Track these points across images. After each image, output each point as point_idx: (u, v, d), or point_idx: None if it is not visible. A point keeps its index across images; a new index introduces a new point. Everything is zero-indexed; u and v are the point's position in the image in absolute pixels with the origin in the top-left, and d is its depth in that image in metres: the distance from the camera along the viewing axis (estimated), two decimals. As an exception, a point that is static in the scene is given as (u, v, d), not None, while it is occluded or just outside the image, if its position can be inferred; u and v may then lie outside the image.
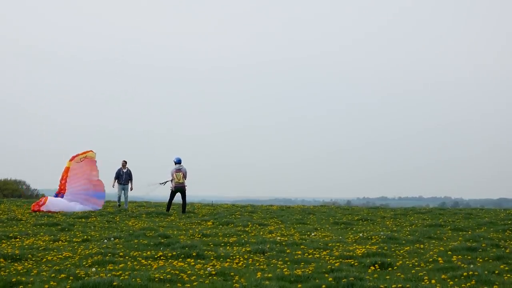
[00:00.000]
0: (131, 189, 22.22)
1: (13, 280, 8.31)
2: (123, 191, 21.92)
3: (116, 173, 21.93)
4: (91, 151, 21.41)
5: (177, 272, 8.89)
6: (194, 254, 10.54)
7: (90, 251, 10.88)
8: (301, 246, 11.76)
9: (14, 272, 8.98)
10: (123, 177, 21.81)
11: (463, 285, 8.05)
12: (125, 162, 22.18)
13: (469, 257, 10.27)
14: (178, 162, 19.79)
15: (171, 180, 19.78)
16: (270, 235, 13.66)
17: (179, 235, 13.34)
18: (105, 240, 12.39)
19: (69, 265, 9.55)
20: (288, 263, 10.03)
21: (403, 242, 12.25)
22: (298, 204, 34.66)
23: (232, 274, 8.97)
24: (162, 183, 20.42)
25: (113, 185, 21.87)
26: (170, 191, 20.01)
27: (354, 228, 15.31)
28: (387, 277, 8.69)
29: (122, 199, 22.12)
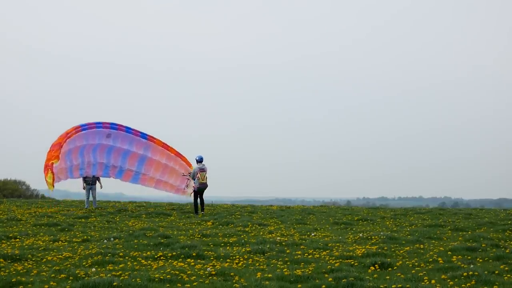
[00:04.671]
0: (101, 187, 22.12)
1: (13, 280, 8.31)
2: (90, 191, 21.78)
3: None
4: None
5: (177, 272, 8.89)
6: (194, 254, 10.55)
7: (90, 251, 10.89)
8: (301, 246, 11.76)
9: (14, 272, 8.98)
10: (91, 178, 21.76)
11: (463, 285, 8.05)
12: None
13: (469, 257, 10.27)
14: (200, 160, 19.26)
15: (194, 180, 19.41)
16: (270, 235, 13.66)
17: (179, 235, 13.34)
18: (105, 240, 12.39)
19: (69, 265, 9.55)
20: (288, 263, 10.03)
21: (403, 242, 12.25)
22: (298, 204, 34.63)
23: (232, 274, 8.97)
24: (186, 176, 20.73)
25: (83, 186, 21.69)
26: (193, 192, 19.64)
27: (354, 228, 15.31)
28: (387, 277, 8.69)
29: (91, 199, 21.98)
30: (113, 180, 21.69)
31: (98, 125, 20.21)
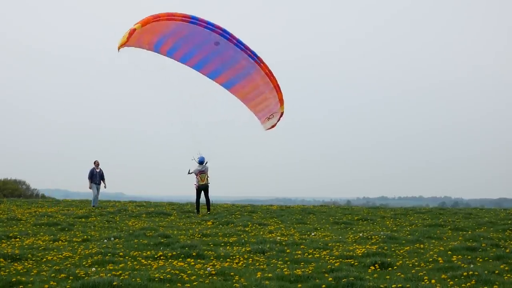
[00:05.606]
0: (105, 187, 22.27)
1: (13, 280, 8.31)
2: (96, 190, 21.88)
3: (90, 172, 21.89)
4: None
5: (177, 272, 8.89)
6: (194, 254, 10.55)
7: (90, 251, 10.89)
8: (301, 246, 11.76)
9: (14, 272, 8.98)
10: (97, 177, 21.85)
11: (463, 285, 8.05)
12: (98, 162, 22.24)
13: (469, 257, 10.27)
14: (201, 162, 19.24)
15: (195, 178, 19.40)
16: (270, 235, 13.66)
17: (179, 235, 13.35)
18: (105, 240, 12.39)
19: (69, 265, 9.55)
20: (288, 263, 10.03)
21: (403, 242, 12.26)
22: (298, 204, 34.61)
23: (232, 274, 8.97)
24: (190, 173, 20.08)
25: (90, 186, 21.75)
26: (195, 190, 19.56)
27: (354, 228, 15.31)
28: (387, 277, 8.69)
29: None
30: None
31: (210, 25, 16.85)
